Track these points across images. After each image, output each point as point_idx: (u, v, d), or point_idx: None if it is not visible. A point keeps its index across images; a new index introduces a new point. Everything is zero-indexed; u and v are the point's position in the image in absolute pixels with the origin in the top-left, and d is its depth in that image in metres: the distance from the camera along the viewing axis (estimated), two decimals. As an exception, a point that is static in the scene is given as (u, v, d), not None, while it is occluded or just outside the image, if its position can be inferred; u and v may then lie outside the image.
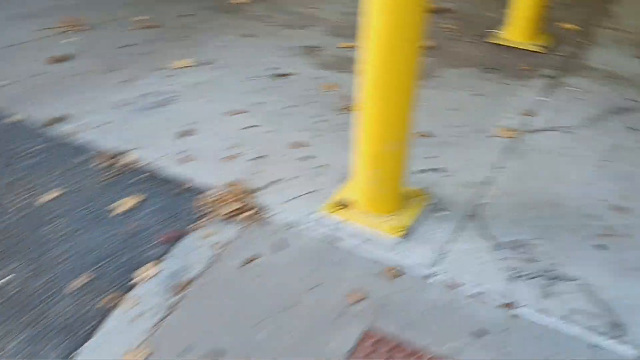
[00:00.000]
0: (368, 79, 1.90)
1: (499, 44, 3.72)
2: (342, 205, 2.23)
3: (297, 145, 2.64)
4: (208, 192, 2.32)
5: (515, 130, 2.79)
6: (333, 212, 2.20)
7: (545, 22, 3.75)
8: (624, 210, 2.29)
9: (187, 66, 3.34)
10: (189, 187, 2.36)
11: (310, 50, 3.61)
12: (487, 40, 3.78)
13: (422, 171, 2.48)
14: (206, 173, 2.44)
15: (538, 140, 2.73)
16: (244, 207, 2.26)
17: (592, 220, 2.23)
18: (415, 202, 2.26)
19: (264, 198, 2.30)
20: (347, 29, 3.86)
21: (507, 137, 2.73)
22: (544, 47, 3.64)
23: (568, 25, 4.01)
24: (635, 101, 3.08)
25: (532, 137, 2.74)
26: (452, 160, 2.55)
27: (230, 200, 2.29)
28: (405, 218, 2.17)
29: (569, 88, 3.21)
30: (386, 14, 1.75)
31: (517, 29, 3.70)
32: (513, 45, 3.68)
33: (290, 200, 2.30)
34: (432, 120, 2.86)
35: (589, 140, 2.73)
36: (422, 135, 2.72)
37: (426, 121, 2.84)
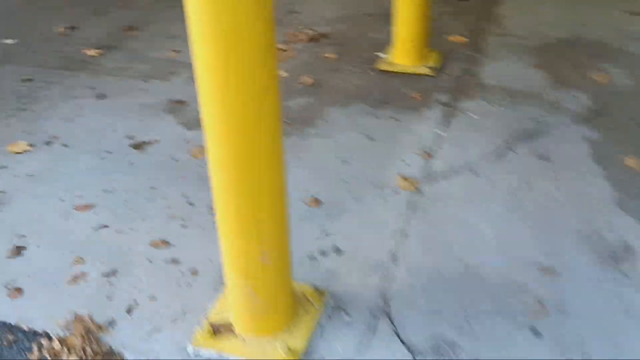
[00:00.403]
0: (212, 141, 1.41)
1: (386, 71, 3.35)
2: (216, 330, 1.74)
3: (158, 244, 2.13)
4: (41, 341, 1.76)
5: (414, 179, 2.41)
6: (205, 343, 1.71)
7: (431, 37, 3.42)
8: (550, 271, 1.95)
9: (22, 151, 2.74)
10: (15, 338, 1.79)
11: (173, 107, 3.09)
12: (372, 67, 3.40)
13: (312, 257, 2.03)
14: (40, 309, 1.88)
15: (441, 188, 2.36)
16: (92, 355, 1.72)
17: (520, 293, 1.87)
18: (307, 307, 1.81)
19: (118, 335, 1.78)
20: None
21: (407, 189, 2.35)
22: (433, 68, 3.30)
23: (455, 38, 3.72)
24: (539, 121, 2.79)
25: (433, 186, 2.37)
26: (347, 234, 2.13)
27: (73, 346, 1.75)
28: (297, 337, 1.71)
29: (466, 115, 2.88)
30: (215, 40, 1.23)
31: (403, 51, 3.35)
32: (401, 71, 3.33)
33: (152, 333, 1.78)
34: (318, 179, 2.43)
35: (497, 179, 2.40)
36: (308, 203, 2.28)
37: (311, 182, 2.41)
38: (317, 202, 2.30)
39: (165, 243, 2.13)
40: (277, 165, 1.47)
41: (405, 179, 2.42)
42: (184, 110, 3.05)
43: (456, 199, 2.29)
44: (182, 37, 3.94)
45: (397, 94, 3.11)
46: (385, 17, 3.90)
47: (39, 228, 2.23)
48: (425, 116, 2.88)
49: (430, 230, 2.14)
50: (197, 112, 3.07)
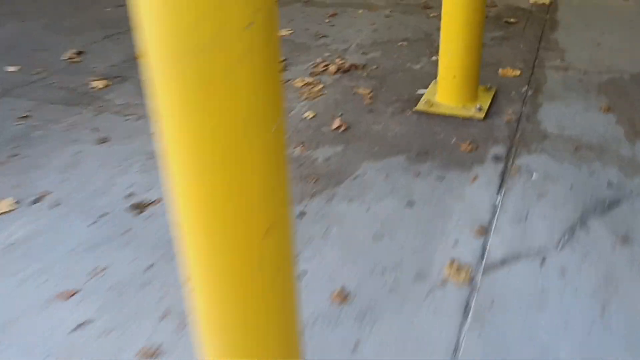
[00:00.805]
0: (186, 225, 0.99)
1: (429, 112, 2.90)
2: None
3: (149, 353, 1.72)
4: None
5: (466, 267, 1.96)
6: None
7: (481, 70, 2.96)
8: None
9: (6, 210, 2.37)
10: None
11: (183, 156, 2.69)
12: (412, 108, 2.95)
13: (341, 385, 1.60)
14: None
15: (500, 281, 1.90)
16: None
17: None
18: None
19: None
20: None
21: (458, 282, 1.90)
22: (483, 110, 2.84)
23: (508, 71, 3.25)
24: (616, 185, 2.31)
25: (491, 277, 1.92)
26: (381, 349, 1.69)
27: None
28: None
29: (526, 174, 2.41)
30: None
31: (448, 88, 2.90)
32: (446, 113, 2.88)
33: None
34: (347, 263, 1.99)
35: (570, 271, 1.93)
36: (333, 298, 1.85)
37: (338, 267, 1.97)
38: (344, 297, 1.87)
39: (161, 352, 1.72)
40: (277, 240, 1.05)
41: (454, 266, 1.97)
42: (194, 161, 2.64)
43: (521, 299, 1.83)
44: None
45: (441, 143, 2.66)
46: (425, 43, 3.46)
47: (12, 321, 1.85)
48: (477, 175, 2.42)
49: (489, 348, 1.69)
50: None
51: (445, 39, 2.76)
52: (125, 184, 2.50)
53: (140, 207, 2.36)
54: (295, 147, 2.70)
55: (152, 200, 2.38)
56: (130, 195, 2.43)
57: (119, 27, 4.16)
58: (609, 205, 2.21)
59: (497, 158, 2.53)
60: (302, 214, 2.26)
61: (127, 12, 4.45)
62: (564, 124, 2.74)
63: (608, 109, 2.84)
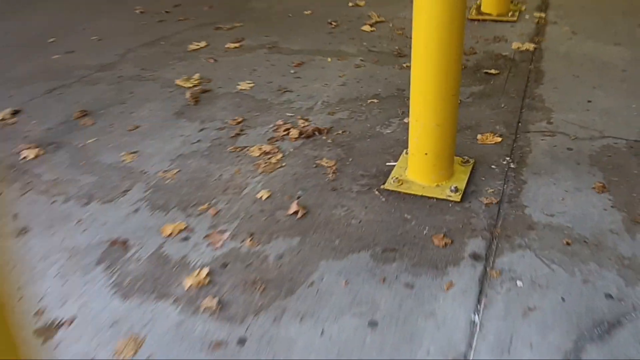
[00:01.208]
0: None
1: (398, 192, 2.54)
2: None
3: None
4: None
5: (439, 423, 1.58)
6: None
7: (457, 135, 2.62)
8: None
9: None
10: None
11: (110, 252, 2.31)
12: (380, 186, 2.59)
13: None
14: None
15: None
16: None
17: None
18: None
19: None
20: (180, 191, 2.60)
21: None
22: (459, 190, 2.49)
23: (487, 137, 2.90)
24: (616, 297, 1.95)
25: None
26: None
27: None
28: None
29: (510, 282, 2.05)
30: None
31: (419, 163, 2.54)
32: (418, 193, 2.52)
33: None
34: None
35: None
36: None
37: None
38: None
39: None
40: None
41: (423, 422, 1.59)
42: (122, 260, 2.26)
43: None
44: (145, 126, 3.19)
45: (412, 235, 2.29)
46: (397, 101, 3.13)
47: None
48: (451, 281, 2.06)
49: None
50: (143, 263, 2.29)
51: (415, 113, 2.41)
52: (36, 296, 2.10)
53: (48, 332, 1.96)
54: (242, 241, 2.33)
55: (63, 320, 1.99)
56: (41, 311, 2.03)
57: (65, 78, 3.78)
58: (608, 328, 1.84)
59: (475, 257, 2.17)
60: (241, 341, 1.88)
61: (77, 59, 4.08)
62: (552, 208, 2.39)
63: (602, 188, 2.49)
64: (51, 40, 4.33)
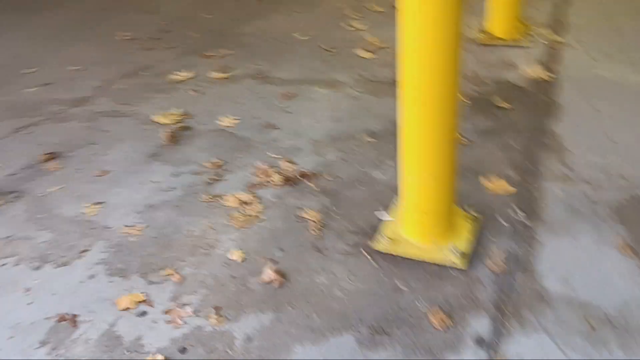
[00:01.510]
0: None
1: (390, 254, 2.20)
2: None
3: None
4: None
5: None
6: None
7: (460, 179, 2.28)
8: None
9: None
10: None
11: (57, 330, 1.99)
12: (370, 246, 2.25)
13: None
14: None
15: None
16: None
17: None
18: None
19: None
20: (143, 251, 2.28)
21: None
22: (462, 253, 2.14)
23: (496, 184, 2.55)
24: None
25: None
26: None
27: None
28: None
29: (522, 374, 1.70)
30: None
31: (416, 222, 2.20)
32: (414, 256, 2.17)
33: None
34: None
35: None
36: None
37: None
38: None
39: None
40: None
41: None
42: (69, 341, 1.94)
43: None
44: (114, 172, 2.88)
45: (406, 312, 1.95)
46: (392, 138, 2.79)
47: None
48: (451, 376, 1.71)
49: None
50: (92, 345, 1.93)
51: (407, 164, 2.08)
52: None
53: None
54: (207, 318, 2.00)
55: None
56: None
57: (35, 115, 3.49)
58: None
59: (479, 342, 1.82)
60: None
61: (51, 92, 3.80)
62: (571, 276, 2.04)
63: (629, 248, 2.14)
64: (25, 71, 4.06)
